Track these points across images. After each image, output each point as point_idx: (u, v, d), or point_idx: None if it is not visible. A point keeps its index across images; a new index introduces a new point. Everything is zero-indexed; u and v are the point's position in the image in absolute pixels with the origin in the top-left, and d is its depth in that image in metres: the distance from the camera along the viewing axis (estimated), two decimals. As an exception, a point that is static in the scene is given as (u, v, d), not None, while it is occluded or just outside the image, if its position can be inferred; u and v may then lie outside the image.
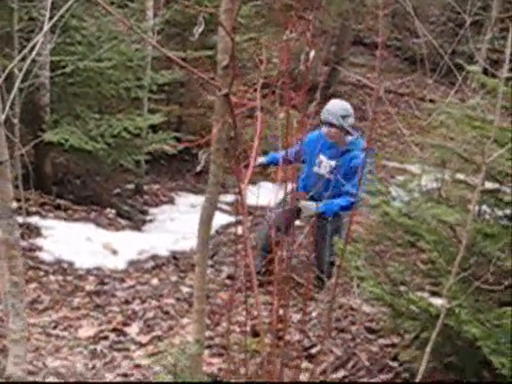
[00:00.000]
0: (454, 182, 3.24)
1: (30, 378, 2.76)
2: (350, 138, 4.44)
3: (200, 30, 2.03)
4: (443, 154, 3.01)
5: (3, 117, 2.23)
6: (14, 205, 1.47)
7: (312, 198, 4.14)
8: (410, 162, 6.40)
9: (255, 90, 2.39)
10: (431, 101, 7.12)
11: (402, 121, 8.26)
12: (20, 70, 3.48)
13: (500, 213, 2.81)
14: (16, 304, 1.49)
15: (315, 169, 4.48)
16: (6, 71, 2.43)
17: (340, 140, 4.43)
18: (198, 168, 3.56)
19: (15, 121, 4.66)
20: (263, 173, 6.43)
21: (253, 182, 5.74)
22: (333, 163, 4.41)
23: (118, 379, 2.81)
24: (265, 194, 4.33)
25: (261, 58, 2.82)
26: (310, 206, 4.29)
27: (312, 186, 4.37)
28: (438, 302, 2.53)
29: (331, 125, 4.39)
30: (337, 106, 4.48)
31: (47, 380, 2.81)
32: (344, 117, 4.41)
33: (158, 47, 2.25)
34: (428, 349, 2.12)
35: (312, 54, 2.05)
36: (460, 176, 3.14)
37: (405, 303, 2.57)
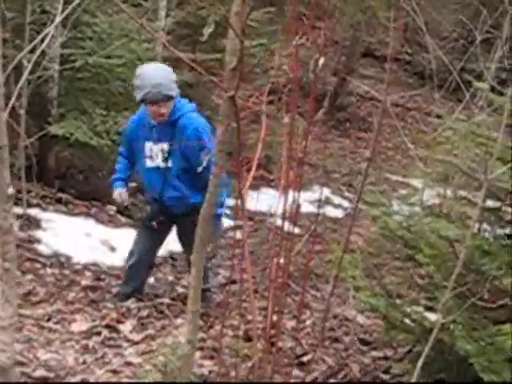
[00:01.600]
0: (456, 198, 3.24)
1: (19, 369, 2.75)
2: (174, 104, 3.49)
3: (210, 31, 2.04)
4: (447, 170, 3.01)
5: (10, 105, 2.24)
6: (11, 191, 1.47)
7: (157, 201, 3.58)
8: (413, 176, 6.40)
9: (262, 94, 2.39)
10: (438, 116, 7.13)
11: (408, 135, 8.26)
12: (29, 61, 3.50)
13: (500, 231, 2.81)
14: (6, 291, 1.49)
15: (148, 163, 3.61)
16: (15, 60, 2.44)
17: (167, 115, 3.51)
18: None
19: (21, 112, 4.67)
20: (265, 178, 6.44)
21: (254, 187, 5.69)
22: (165, 146, 3.55)
23: (108, 375, 2.81)
24: (266, 200, 4.31)
25: (270, 64, 2.83)
26: None
27: (152, 185, 3.63)
28: (433, 316, 2.53)
29: (158, 101, 3.43)
30: (161, 73, 3.44)
31: (37, 372, 2.80)
32: (174, 82, 3.46)
33: (169, 47, 2.25)
34: (420, 362, 2.11)
35: (321, 61, 2.05)
36: (462, 192, 3.14)
37: (399, 316, 2.56)
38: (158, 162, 3.59)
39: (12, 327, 1.54)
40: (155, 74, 3.43)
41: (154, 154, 3.58)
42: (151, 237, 3.73)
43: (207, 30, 1.86)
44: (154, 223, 3.67)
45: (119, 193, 3.79)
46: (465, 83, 4.67)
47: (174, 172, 3.57)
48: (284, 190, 2.50)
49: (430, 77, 9.14)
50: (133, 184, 4.57)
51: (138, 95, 3.50)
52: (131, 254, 3.78)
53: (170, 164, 3.57)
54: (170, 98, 3.46)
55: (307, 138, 2.43)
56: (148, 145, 3.59)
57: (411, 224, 2.81)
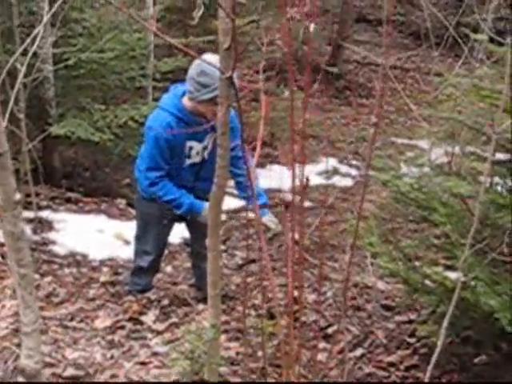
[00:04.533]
0: (465, 155, 3.22)
1: (49, 370, 2.78)
2: None
3: (200, 14, 2.01)
4: (452, 127, 2.98)
5: (8, 110, 2.22)
6: (18, 196, 1.46)
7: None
8: (419, 137, 6.36)
9: (257, 73, 2.36)
10: (438, 74, 7.04)
11: (410, 96, 8.19)
12: (22, 64, 3.47)
13: (512, 183, 2.78)
14: (26, 297, 1.48)
15: (186, 161, 3.44)
16: (8, 65, 2.42)
17: None
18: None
19: (21, 116, 4.66)
20: (270, 155, 6.42)
21: (260, 164, 5.68)
22: (206, 143, 3.42)
23: (137, 367, 2.83)
24: (272, 176, 4.31)
25: (262, 40, 2.78)
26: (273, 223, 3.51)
27: (183, 180, 3.47)
28: (453, 275, 2.52)
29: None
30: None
31: (67, 372, 2.83)
32: None
33: (160, 34, 2.22)
34: (445, 323, 2.11)
35: (312, 27, 2.01)
36: (470, 148, 3.11)
37: (420, 278, 2.56)
38: (196, 158, 3.45)
39: (35, 332, 1.54)
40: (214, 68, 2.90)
41: (194, 152, 3.42)
42: (164, 233, 3.70)
43: (197, 13, 1.84)
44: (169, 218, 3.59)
45: None
46: (462, 38, 4.61)
47: (210, 165, 3.11)
48: (290, 164, 2.48)
49: (425, 35, 9.06)
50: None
51: (207, 95, 3.20)
52: (146, 252, 3.66)
53: (206, 157, 3.45)
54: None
55: (305, 109, 2.40)
56: (189, 144, 3.39)
57: (422, 185, 2.79)
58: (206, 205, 3.33)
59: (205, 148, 3.45)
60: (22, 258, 1.45)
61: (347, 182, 6.45)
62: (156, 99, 6.23)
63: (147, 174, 3.41)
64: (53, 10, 2.35)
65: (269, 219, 3.48)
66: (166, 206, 3.48)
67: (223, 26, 1.95)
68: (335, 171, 6.67)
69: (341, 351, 2.92)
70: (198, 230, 3.63)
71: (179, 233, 4.64)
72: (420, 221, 3.05)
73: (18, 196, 1.46)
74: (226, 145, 2.06)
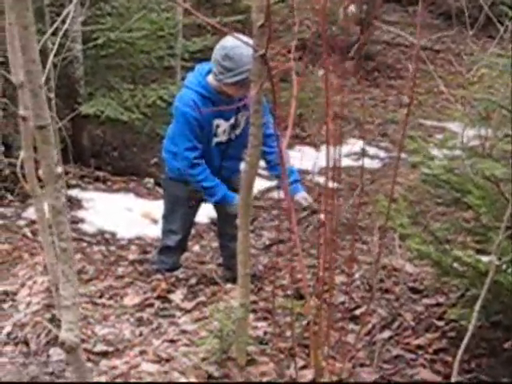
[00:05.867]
0: (497, 137, 3.16)
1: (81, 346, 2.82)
2: None
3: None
4: (487, 108, 2.92)
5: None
6: (60, 170, 1.47)
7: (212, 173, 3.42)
8: (448, 119, 6.27)
9: (289, 52, 2.34)
10: (470, 55, 6.92)
11: (440, 78, 8.06)
12: (53, 43, 3.50)
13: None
14: (66, 270, 1.50)
15: (214, 140, 3.43)
16: (40, 44, 2.42)
17: None
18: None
19: (51, 95, 4.68)
20: (299, 136, 6.39)
21: (289, 145, 5.67)
22: (232, 121, 3.41)
23: (165, 345, 2.85)
24: (304, 158, 4.30)
25: (294, 20, 2.75)
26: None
27: (210, 160, 3.44)
28: (484, 259, 2.49)
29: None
30: (249, 51, 2.34)
31: (97, 347, 2.87)
32: None
33: (192, 10, 2.21)
34: (477, 307, 2.09)
35: (352, 8, 1.98)
36: (504, 130, 3.05)
37: (451, 261, 2.53)
38: (222, 137, 3.43)
39: (75, 306, 1.56)
40: (249, 57, 2.50)
41: (221, 130, 3.40)
42: (191, 213, 3.72)
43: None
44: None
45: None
46: (496, 17, 4.51)
47: (237, 144, 3.39)
48: (325, 145, 2.46)
49: (456, 15, 8.88)
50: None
51: (230, 79, 3.22)
52: (173, 231, 3.69)
53: (232, 137, 3.45)
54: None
55: (342, 90, 2.39)
56: (216, 122, 3.37)
57: (455, 167, 2.75)
58: (237, 198, 3.34)
59: (232, 127, 3.44)
60: (62, 232, 1.46)
61: (375, 164, 6.40)
62: (184, 79, 6.23)
63: (185, 154, 3.38)
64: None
65: (302, 196, 3.47)
66: (195, 188, 3.48)
67: (257, 2, 1.93)
68: (363, 153, 6.60)
69: (369, 333, 2.91)
70: (225, 211, 3.63)
71: (206, 213, 4.67)
72: (450, 203, 3.01)
73: (59, 169, 1.47)
74: (258, 123, 2.05)
